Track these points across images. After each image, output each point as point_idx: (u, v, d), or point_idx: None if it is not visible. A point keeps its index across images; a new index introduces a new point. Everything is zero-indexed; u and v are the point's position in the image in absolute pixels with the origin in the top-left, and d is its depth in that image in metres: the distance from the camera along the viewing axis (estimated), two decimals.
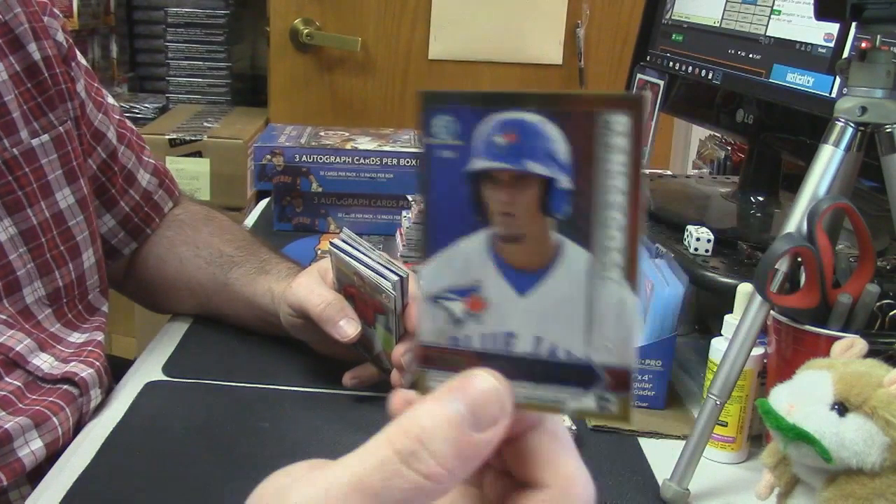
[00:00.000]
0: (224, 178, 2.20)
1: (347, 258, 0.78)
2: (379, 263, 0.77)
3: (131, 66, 2.86)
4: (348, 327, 0.80)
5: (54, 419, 0.78)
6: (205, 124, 2.31)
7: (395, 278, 0.76)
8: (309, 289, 0.83)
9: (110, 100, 0.98)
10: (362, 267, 0.77)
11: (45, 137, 0.84)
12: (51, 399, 0.79)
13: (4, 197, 0.80)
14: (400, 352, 0.78)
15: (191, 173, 2.19)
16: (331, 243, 0.80)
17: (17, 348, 0.78)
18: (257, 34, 2.77)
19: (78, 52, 0.92)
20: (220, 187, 2.19)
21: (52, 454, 0.77)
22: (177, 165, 2.17)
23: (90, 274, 0.90)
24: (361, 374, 0.86)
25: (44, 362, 0.80)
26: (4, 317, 0.79)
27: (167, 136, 2.18)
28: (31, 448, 0.75)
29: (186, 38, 2.59)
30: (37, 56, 0.84)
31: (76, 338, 0.87)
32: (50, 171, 0.84)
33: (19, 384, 0.78)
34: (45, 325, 0.84)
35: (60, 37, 0.89)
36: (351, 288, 0.80)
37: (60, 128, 0.86)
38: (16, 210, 0.81)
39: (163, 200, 1.03)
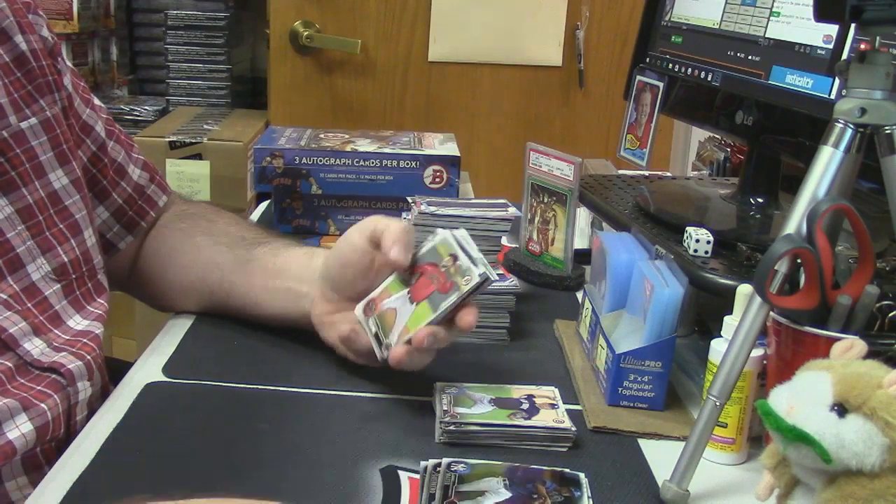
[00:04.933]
0: (224, 181, 2.20)
1: (454, 241, 0.81)
2: (479, 258, 0.81)
3: (131, 69, 2.86)
4: (401, 255, 0.82)
5: (42, 405, 0.78)
6: (205, 127, 2.31)
7: (484, 271, 0.79)
8: (397, 225, 0.85)
9: (97, 101, 1.00)
10: (462, 252, 0.79)
11: (34, 120, 0.86)
12: (39, 387, 0.80)
13: None
14: (426, 332, 0.80)
15: (191, 175, 2.19)
16: (443, 230, 0.83)
17: (11, 330, 0.79)
18: (257, 36, 2.78)
19: (63, 52, 0.94)
20: (220, 189, 2.19)
21: (43, 440, 0.77)
22: (177, 168, 2.17)
23: (94, 253, 0.91)
24: (361, 335, 0.86)
25: (34, 347, 0.81)
26: (6, 296, 0.80)
27: (167, 139, 2.18)
28: (22, 431, 0.76)
29: (186, 41, 2.59)
30: (24, 47, 0.86)
31: (77, 322, 0.87)
32: (41, 152, 0.86)
33: (10, 365, 0.78)
34: (52, 301, 0.85)
35: (45, 33, 0.91)
36: (428, 266, 0.81)
37: (48, 112, 0.87)
38: (10, 190, 0.82)
39: (156, 194, 1.04)
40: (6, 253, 0.81)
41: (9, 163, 0.82)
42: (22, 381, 0.79)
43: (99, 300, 0.91)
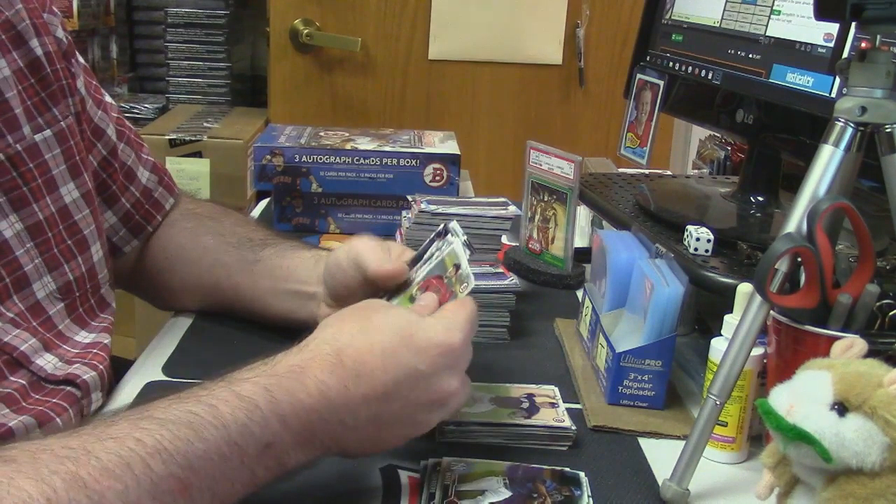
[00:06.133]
0: (224, 179, 2.20)
1: (461, 251, 0.80)
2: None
3: (131, 67, 2.86)
4: (398, 274, 0.81)
5: (58, 420, 0.78)
6: (205, 124, 2.31)
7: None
8: (372, 245, 0.84)
9: (108, 98, 0.99)
10: (465, 261, 0.79)
11: (48, 132, 0.83)
12: (54, 401, 0.79)
13: (9, 193, 0.79)
14: None
15: (191, 173, 2.19)
16: (453, 237, 0.82)
17: (22, 348, 0.78)
18: (257, 34, 2.78)
19: (76, 52, 0.92)
20: (220, 187, 2.19)
21: None
22: (177, 166, 2.17)
23: (100, 267, 0.90)
24: None
25: (47, 363, 0.80)
26: (12, 315, 0.79)
27: (167, 137, 2.19)
28: None
29: (186, 39, 2.59)
30: (39, 52, 0.84)
31: (83, 337, 0.87)
32: (54, 165, 0.84)
33: (23, 382, 0.78)
34: (56, 320, 0.84)
35: (60, 33, 0.89)
36: (434, 279, 0.81)
37: (62, 122, 0.85)
38: (21, 206, 0.80)
39: (163, 198, 1.03)
40: (14, 271, 0.79)
41: (21, 178, 0.80)
42: (36, 396, 0.78)
43: (102, 315, 0.91)
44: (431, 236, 0.84)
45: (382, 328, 0.67)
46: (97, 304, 0.90)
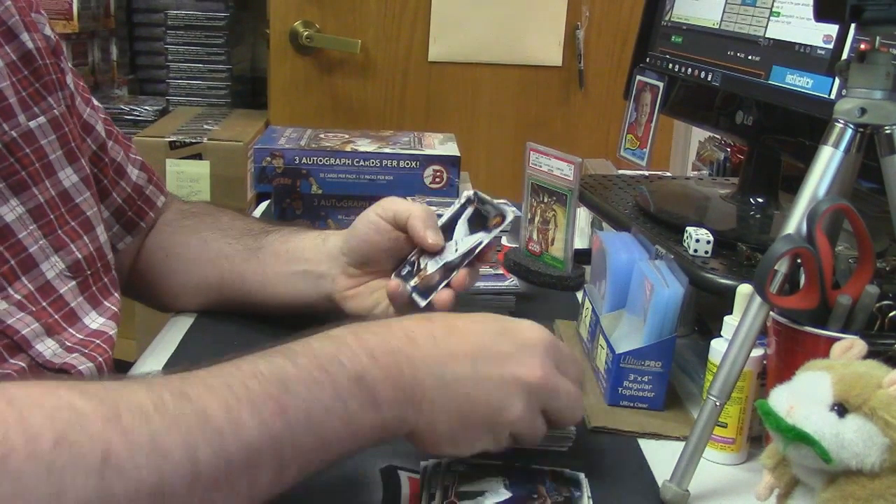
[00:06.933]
0: (224, 181, 2.20)
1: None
2: None
3: (131, 69, 2.87)
4: (437, 240, 0.90)
5: None
6: (205, 126, 2.31)
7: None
8: (407, 204, 0.92)
9: (95, 101, 1.00)
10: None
11: (42, 119, 0.85)
12: None
13: (8, 178, 0.81)
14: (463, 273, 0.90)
15: (191, 175, 2.19)
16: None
17: (24, 332, 0.79)
18: (257, 36, 2.78)
19: (64, 51, 0.94)
20: (220, 189, 2.20)
21: None
22: (177, 168, 2.17)
23: (107, 249, 0.91)
24: (405, 290, 0.89)
25: (47, 348, 0.81)
26: (19, 297, 0.80)
27: (167, 139, 2.18)
28: None
29: (186, 41, 2.59)
30: (30, 45, 0.86)
31: (92, 319, 0.87)
32: (50, 151, 0.86)
33: (23, 366, 0.78)
34: (68, 298, 0.85)
35: (48, 31, 0.91)
36: None
37: (56, 110, 0.87)
38: (21, 190, 0.82)
39: (154, 195, 1.04)
40: (18, 253, 0.81)
41: (19, 163, 0.82)
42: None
43: (115, 295, 0.91)
44: (456, 207, 0.88)
45: (475, 315, 0.72)
46: (111, 283, 0.91)
